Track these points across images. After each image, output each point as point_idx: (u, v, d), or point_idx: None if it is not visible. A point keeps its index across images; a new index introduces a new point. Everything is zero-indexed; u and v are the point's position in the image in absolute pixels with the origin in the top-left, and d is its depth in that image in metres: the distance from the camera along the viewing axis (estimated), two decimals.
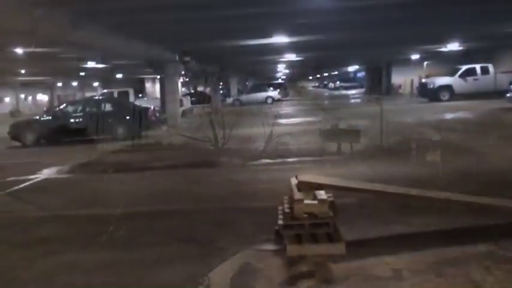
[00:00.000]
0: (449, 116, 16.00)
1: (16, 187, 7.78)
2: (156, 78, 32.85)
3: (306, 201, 3.96)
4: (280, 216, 4.14)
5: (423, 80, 27.02)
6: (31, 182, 8.30)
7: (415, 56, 29.22)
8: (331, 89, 60.01)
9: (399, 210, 4.97)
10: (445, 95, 23.13)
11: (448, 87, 23.30)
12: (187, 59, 19.29)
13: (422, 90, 24.90)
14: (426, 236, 4.28)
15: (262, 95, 35.03)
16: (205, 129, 12.24)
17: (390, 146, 9.81)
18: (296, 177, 4.43)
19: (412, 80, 32.06)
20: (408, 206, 4.94)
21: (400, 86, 34.43)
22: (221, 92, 35.13)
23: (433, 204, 4.62)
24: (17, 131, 14.75)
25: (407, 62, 31.70)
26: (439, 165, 7.59)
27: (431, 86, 23.74)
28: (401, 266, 3.61)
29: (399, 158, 8.38)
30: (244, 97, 35.14)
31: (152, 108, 15.73)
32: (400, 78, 34.00)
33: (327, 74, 67.17)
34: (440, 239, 4.14)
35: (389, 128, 13.38)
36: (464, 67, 23.68)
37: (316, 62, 31.77)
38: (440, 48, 23.53)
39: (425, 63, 31.78)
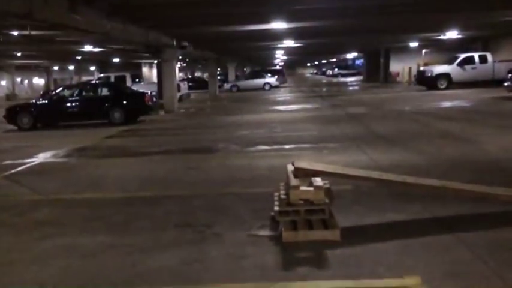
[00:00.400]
0: (446, 104, 16.01)
1: (12, 170, 7.77)
2: (153, 63, 32.67)
3: (302, 188, 3.97)
4: (276, 203, 4.15)
5: (421, 68, 26.97)
6: (27, 165, 8.29)
7: (413, 44, 29.12)
8: (329, 76, 59.89)
9: (395, 198, 4.99)
10: (443, 83, 23.11)
11: (446, 76, 23.27)
12: (184, 44, 19.15)
13: (420, 78, 24.86)
14: (421, 223, 4.32)
15: (260, 81, 34.90)
16: (202, 115, 12.21)
17: (387, 135, 9.83)
18: (292, 164, 4.43)
19: (410, 68, 32.00)
20: (404, 194, 4.97)
21: (398, 74, 34.37)
22: (219, 77, 34.96)
23: (429, 192, 4.64)
24: (13, 115, 14.67)
25: (406, 50, 31.61)
26: (435, 153, 7.62)
27: (430, 74, 23.70)
28: (395, 253, 3.65)
29: (396, 146, 8.39)
30: (242, 83, 35.01)
31: (149, 93, 15.65)
32: (399, 66, 33.93)
33: (325, 61, 66.98)
34: (434, 227, 4.17)
35: (387, 116, 13.44)
36: (462, 55, 23.63)
37: (315, 48, 31.62)
38: (439, 36, 23.46)
39: (424, 51, 31.69)
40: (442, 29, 20.99)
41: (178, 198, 5.64)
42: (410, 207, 4.70)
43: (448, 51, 28.17)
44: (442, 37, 23.68)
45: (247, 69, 50.28)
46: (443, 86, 23.00)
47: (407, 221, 4.39)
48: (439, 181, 4.58)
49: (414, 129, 10.48)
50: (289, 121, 13.38)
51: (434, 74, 23.44)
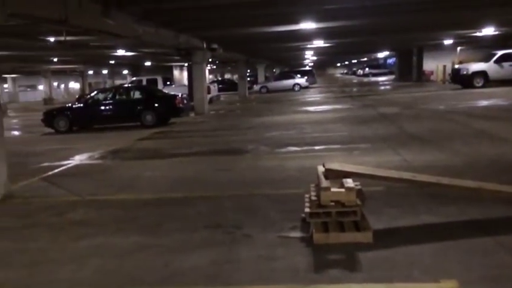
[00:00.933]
0: (483, 103, 15.52)
1: (50, 172, 8.02)
2: (183, 65, 33.08)
3: (333, 189, 3.92)
4: (307, 204, 4.12)
5: (456, 66, 26.24)
6: (64, 167, 8.53)
7: (448, 42, 28.37)
8: (360, 75, 59.11)
9: (429, 200, 4.87)
10: (479, 82, 22.40)
11: (482, 73, 22.55)
12: (214, 46, 19.29)
13: (455, 76, 24.19)
14: (457, 225, 4.19)
15: (289, 82, 34.80)
16: (232, 116, 12.25)
17: (421, 135, 9.61)
18: (323, 165, 4.39)
19: (444, 66, 31.19)
20: (438, 196, 4.84)
21: (431, 73, 33.55)
22: (248, 79, 35.07)
23: (465, 193, 4.51)
24: (50, 119, 15.16)
25: (440, 48, 30.82)
26: (471, 153, 7.40)
27: (465, 72, 23.02)
28: (430, 256, 3.55)
29: (430, 146, 8.20)
30: (272, 84, 34.99)
31: (180, 96, 15.86)
32: (432, 64, 33.12)
33: (355, 61, 66.14)
34: (471, 229, 4.05)
35: (421, 116, 13.11)
36: (499, 52, 22.85)
37: (345, 48, 31.27)
38: (475, 33, 22.76)
39: (459, 48, 30.84)
40: (478, 25, 20.35)
41: (208, 199, 5.68)
42: (445, 209, 4.57)
43: (484, 49, 27.29)
44: (478, 34, 22.97)
45: (276, 70, 50.21)
46: (480, 84, 22.30)
47: (443, 223, 4.27)
48: (475, 182, 4.44)
49: (449, 129, 10.21)
50: (319, 122, 13.28)
51: (470, 72, 22.76)
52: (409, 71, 36.07)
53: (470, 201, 4.66)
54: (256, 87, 35.19)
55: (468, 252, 3.58)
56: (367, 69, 58.36)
